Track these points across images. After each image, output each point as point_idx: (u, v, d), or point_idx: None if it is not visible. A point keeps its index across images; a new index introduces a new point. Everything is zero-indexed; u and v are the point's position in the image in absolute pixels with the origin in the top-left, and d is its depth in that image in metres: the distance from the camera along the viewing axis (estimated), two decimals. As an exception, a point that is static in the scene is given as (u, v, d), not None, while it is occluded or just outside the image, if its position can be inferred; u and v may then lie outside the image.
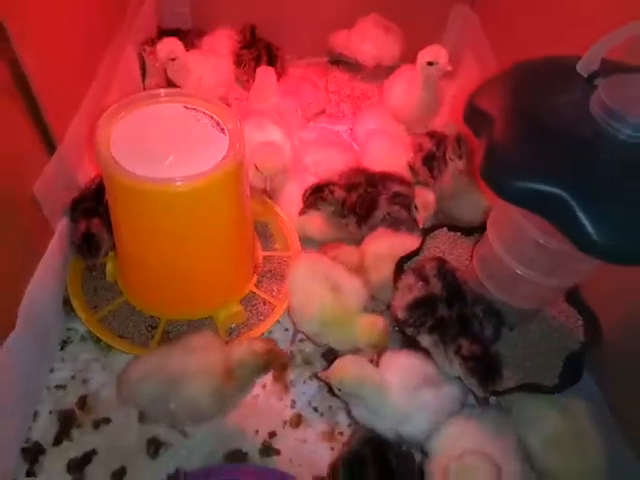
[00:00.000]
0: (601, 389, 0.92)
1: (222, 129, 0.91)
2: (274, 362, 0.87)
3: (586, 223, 0.54)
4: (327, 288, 0.95)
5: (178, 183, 0.83)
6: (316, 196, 1.16)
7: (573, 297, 0.98)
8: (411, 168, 1.26)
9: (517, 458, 0.82)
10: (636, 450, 0.83)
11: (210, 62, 1.44)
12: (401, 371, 0.87)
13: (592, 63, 0.66)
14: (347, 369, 0.85)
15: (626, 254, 0.56)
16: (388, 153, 1.29)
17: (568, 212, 0.55)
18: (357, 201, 1.13)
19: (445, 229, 1.08)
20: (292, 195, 1.23)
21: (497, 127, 0.60)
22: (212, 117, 0.93)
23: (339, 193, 1.15)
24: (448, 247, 1.05)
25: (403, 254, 1.03)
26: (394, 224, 1.14)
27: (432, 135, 1.26)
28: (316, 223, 1.19)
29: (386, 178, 1.17)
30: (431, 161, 1.22)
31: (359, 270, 1.07)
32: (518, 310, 0.90)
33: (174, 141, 0.89)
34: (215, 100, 0.96)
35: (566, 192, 0.55)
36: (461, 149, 1.13)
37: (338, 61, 1.70)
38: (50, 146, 1.01)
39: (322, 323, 0.94)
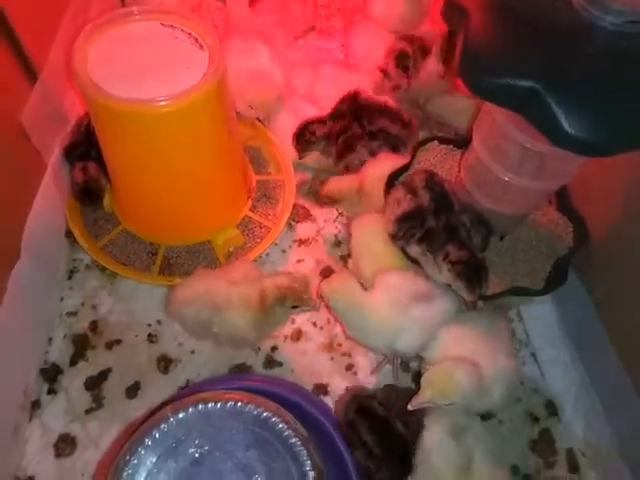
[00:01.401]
0: (588, 292, 0.95)
1: (201, 45, 0.89)
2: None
3: (560, 115, 0.54)
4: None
5: (162, 102, 0.82)
6: (300, 140, 1.14)
7: (563, 204, 0.98)
8: (382, 71, 1.20)
9: (511, 355, 0.86)
10: (618, 343, 0.87)
11: None
12: (390, 289, 0.89)
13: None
14: (331, 287, 0.89)
15: (599, 146, 0.55)
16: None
17: (542, 105, 0.54)
18: (335, 139, 1.11)
19: (436, 142, 1.07)
20: (286, 123, 1.21)
21: (472, 21, 0.58)
22: (190, 34, 0.90)
23: (321, 130, 1.12)
24: (439, 160, 1.04)
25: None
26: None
27: (404, 36, 1.21)
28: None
29: (375, 111, 1.12)
30: (405, 59, 1.17)
31: (360, 197, 1.08)
32: (507, 218, 0.91)
33: (153, 60, 0.87)
34: (192, 16, 0.93)
35: (539, 84, 0.54)
36: (447, 52, 1.09)
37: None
38: (32, 75, 0.99)
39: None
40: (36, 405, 0.94)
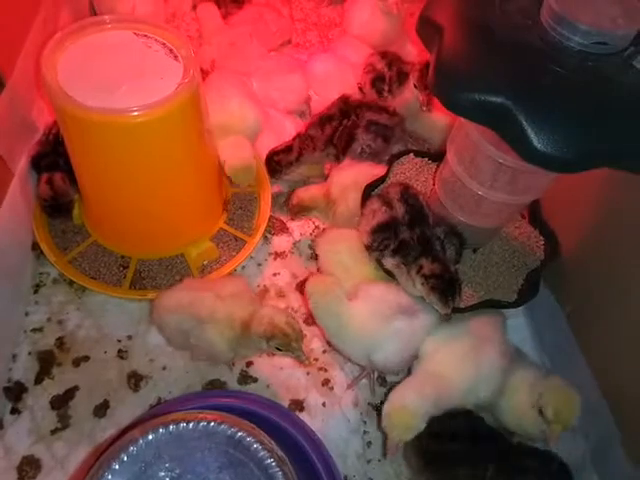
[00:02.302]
0: (560, 304, 0.96)
1: (175, 56, 0.88)
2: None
3: (529, 132, 0.55)
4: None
5: (135, 113, 0.80)
6: (268, 168, 1.15)
7: (535, 218, 1.00)
8: (360, 89, 1.23)
9: (501, 354, 0.86)
10: (589, 354, 0.88)
11: None
12: (373, 300, 0.89)
13: (546, -31, 0.64)
14: (316, 286, 0.89)
15: (567, 162, 0.57)
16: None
17: (513, 121, 0.55)
18: (333, 134, 1.12)
19: (412, 155, 1.08)
20: (262, 136, 1.20)
21: (446, 38, 0.59)
22: (164, 44, 0.89)
23: (286, 159, 1.13)
24: (414, 173, 1.05)
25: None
26: (372, 156, 1.13)
27: (384, 55, 1.22)
28: None
29: (361, 106, 1.14)
30: (381, 83, 1.19)
31: (328, 205, 1.08)
32: (480, 231, 0.92)
33: (125, 70, 0.86)
34: (166, 26, 0.92)
35: (510, 100, 0.55)
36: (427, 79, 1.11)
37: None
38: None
39: None
40: (-2, 426, 0.90)
